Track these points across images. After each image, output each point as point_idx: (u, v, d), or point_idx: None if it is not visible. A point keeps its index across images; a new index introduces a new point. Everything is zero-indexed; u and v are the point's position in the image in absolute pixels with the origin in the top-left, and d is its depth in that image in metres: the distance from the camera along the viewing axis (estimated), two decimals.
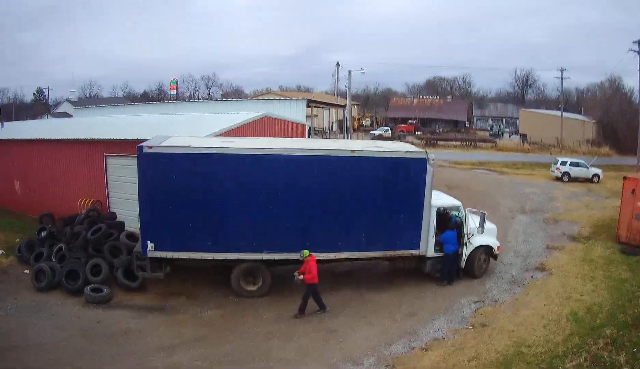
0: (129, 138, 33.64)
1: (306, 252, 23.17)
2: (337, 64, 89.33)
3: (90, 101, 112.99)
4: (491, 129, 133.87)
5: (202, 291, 26.34)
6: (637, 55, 65.23)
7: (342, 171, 24.73)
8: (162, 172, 24.21)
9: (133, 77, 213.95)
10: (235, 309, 24.12)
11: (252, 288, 25.62)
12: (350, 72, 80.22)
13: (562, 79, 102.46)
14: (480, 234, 26.78)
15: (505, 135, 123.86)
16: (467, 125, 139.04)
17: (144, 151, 24.12)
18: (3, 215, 39.47)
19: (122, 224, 31.54)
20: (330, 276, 27.64)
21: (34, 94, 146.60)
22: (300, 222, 24.78)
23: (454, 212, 27.01)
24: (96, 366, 18.96)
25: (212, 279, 27.12)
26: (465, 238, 26.39)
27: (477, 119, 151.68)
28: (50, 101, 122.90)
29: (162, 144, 25.03)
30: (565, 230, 36.50)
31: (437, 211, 26.19)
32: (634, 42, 65.50)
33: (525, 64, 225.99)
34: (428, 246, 25.87)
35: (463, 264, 26.69)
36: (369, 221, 25.18)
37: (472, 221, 26.81)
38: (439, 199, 27.42)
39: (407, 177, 25.24)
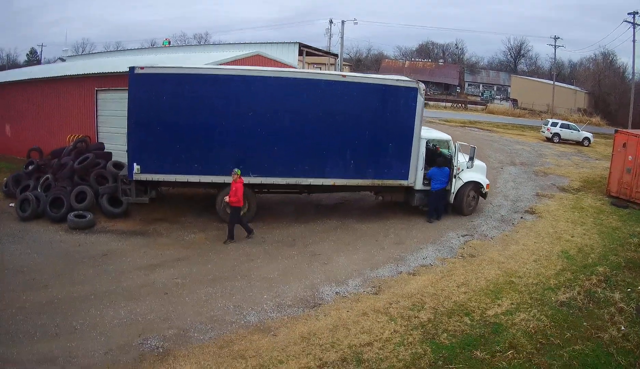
0: (121, 71, 32.94)
1: (238, 171, 22.78)
2: (330, 21, 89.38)
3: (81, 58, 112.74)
4: (482, 95, 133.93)
5: (185, 217, 26.15)
6: (632, 27, 65.60)
7: (333, 95, 24.46)
8: (153, 93, 24.04)
9: (126, 37, 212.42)
10: (219, 234, 23.81)
11: None
12: (343, 22, 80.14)
13: (555, 46, 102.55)
14: (470, 169, 26.56)
15: (496, 101, 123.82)
16: (458, 90, 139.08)
17: (135, 71, 23.91)
18: None
19: (109, 154, 31.10)
20: (315, 207, 27.75)
21: (27, 54, 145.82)
22: (288, 147, 24.56)
23: (444, 150, 26.73)
24: (71, 285, 18.74)
25: (195, 207, 27.13)
26: (455, 172, 26.09)
27: (469, 85, 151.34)
28: (43, 61, 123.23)
29: (154, 65, 24.94)
30: (555, 182, 36.39)
31: (426, 144, 25.99)
32: (628, 13, 66.51)
33: (518, 34, 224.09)
34: (417, 178, 25.60)
35: (452, 199, 26.44)
36: (357, 148, 24.88)
37: (462, 157, 26.55)
38: (428, 132, 27.29)
39: (397, 105, 24.93)
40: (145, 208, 25.96)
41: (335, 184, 25.32)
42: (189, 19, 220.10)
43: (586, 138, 61.84)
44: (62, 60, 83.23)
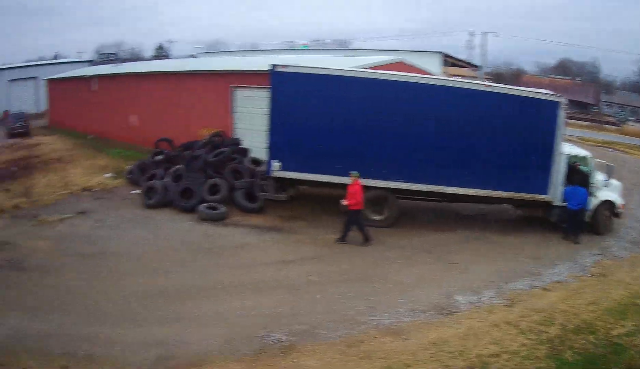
0: (259, 69, 33.76)
1: (356, 173, 22.96)
2: (470, 33, 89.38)
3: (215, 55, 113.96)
4: (617, 115, 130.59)
5: (321, 217, 26.62)
6: None
7: (476, 105, 24.68)
8: (294, 92, 24.81)
9: (263, 40, 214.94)
10: (355, 235, 23.91)
11: (378, 217, 25.74)
12: (484, 34, 79.96)
13: None
14: (606, 188, 26.25)
15: (630, 122, 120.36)
16: (594, 109, 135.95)
17: (277, 69, 24.75)
18: (114, 146, 40.94)
19: (246, 150, 31.86)
20: (453, 217, 27.83)
21: (155, 50, 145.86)
22: (431, 154, 24.81)
23: (583, 167, 26.19)
24: (195, 274, 19.51)
25: (332, 207, 27.04)
26: (592, 190, 25.70)
27: (604, 104, 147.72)
28: (171, 57, 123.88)
29: (296, 65, 25.53)
30: None
31: (566, 160, 25.64)
32: None
33: None
34: (556, 193, 25.34)
35: (588, 218, 25.93)
36: (498, 159, 24.89)
37: (600, 175, 26.34)
38: (569, 148, 26.90)
39: (539, 118, 24.86)
40: (280, 206, 26.53)
41: (476, 194, 25.42)
42: (326, 25, 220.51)
43: None
44: (194, 56, 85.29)
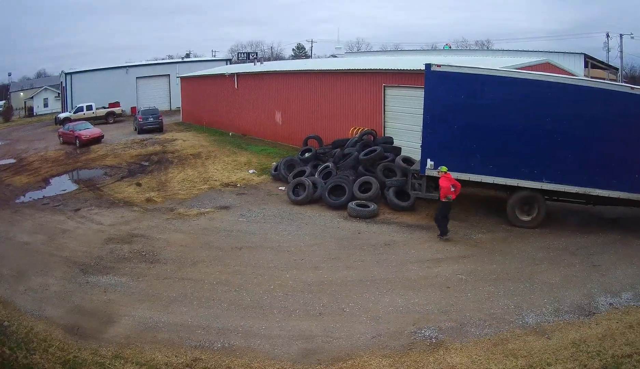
0: (411, 68, 35.19)
1: (443, 168, 24.08)
2: (607, 35, 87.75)
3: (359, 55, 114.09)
4: None
5: (473, 217, 27.48)
6: None
7: (624, 107, 24.93)
8: (449, 91, 25.73)
9: (404, 39, 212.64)
10: (506, 235, 24.89)
11: (526, 218, 26.36)
12: (621, 36, 78.73)
13: None
14: None
15: None
16: None
17: (432, 69, 25.74)
18: (256, 143, 42.76)
19: (398, 148, 32.83)
20: (597, 219, 27.97)
21: (293, 49, 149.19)
22: (580, 156, 25.33)
23: None
24: (346, 269, 20.55)
25: (483, 207, 28.39)
26: None
27: None
28: (313, 57, 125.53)
29: (450, 64, 26.53)
30: None
31: None
32: None
33: None
34: None
35: None
36: None
37: None
38: None
39: None
40: (432, 205, 27.19)
41: (621, 197, 25.61)
42: (468, 25, 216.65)
43: None
44: (334, 56, 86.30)
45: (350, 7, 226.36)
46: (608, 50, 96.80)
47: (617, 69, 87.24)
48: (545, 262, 22.38)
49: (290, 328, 15.94)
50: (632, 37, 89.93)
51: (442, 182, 24.14)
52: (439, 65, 26.10)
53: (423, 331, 16.20)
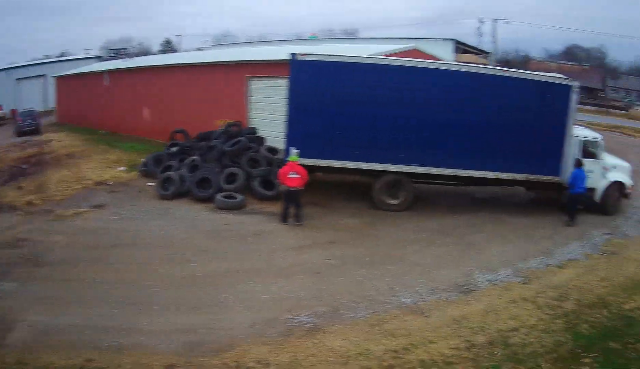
0: (275, 59, 34.50)
1: (294, 157, 24.03)
2: (480, 20, 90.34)
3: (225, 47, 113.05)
4: (624, 100, 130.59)
5: (338, 203, 27.10)
6: None
7: (492, 89, 25.22)
8: (313, 80, 25.16)
9: (270, 30, 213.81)
10: (373, 220, 24.75)
11: (394, 202, 26.29)
12: (495, 20, 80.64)
13: None
14: (615, 169, 26.93)
15: (637, 107, 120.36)
16: (601, 94, 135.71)
17: (296, 58, 25.17)
18: (126, 140, 41.39)
19: (262, 139, 32.28)
20: (469, 199, 28.56)
21: (161, 44, 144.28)
22: (448, 138, 25.39)
23: (592, 149, 26.78)
24: (217, 261, 19.94)
25: (348, 193, 28.10)
26: (601, 173, 26.46)
27: (610, 89, 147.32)
28: (179, 51, 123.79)
29: (315, 53, 26.15)
30: None
31: (579, 143, 26.31)
32: None
33: None
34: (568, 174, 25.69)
35: (598, 198, 26.65)
36: (513, 142, 25.44)
37: (610, 157, 27.27)
38: (580, 130, 27.57)
39: (552, 101, 25.43)
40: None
41: (491, 177, 26.01)
42: (334, 15, 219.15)
43: None
44: (201, 50, 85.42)
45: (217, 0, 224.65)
46: (480, 36, 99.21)
47: (489, 53, 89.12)
48: (417, 243, 22.25)
49: (171, 322, 15.29)
50: (507, 22, 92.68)
51: (281, 169, 24.17)
52: (303, 54, 25.69)
53: (299, 317, 15.69)
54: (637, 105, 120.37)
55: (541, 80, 25.88)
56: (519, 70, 26.99)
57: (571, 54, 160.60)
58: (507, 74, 25.94)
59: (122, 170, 32.89)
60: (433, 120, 25.27)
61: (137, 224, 24.01)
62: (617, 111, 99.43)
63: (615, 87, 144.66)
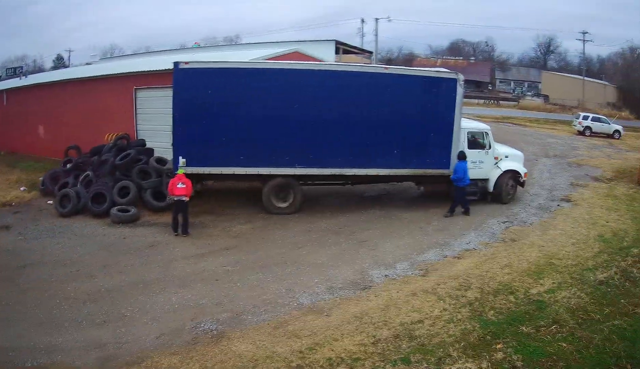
0: (160, 69, 34.01)
1: (181, 170, 23.93)
2: (362, 20, 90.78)
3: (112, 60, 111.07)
4: (513, 91, 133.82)
5: (231, 210, 26.85)
6: None
7: (375, 87, 25.20)
8: (197, 87, 24.74)
9: (154, 41, 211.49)
10: (266, 224, 24.58)
11: (283, 205, 26.17)
12: (377, 20, 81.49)
13: (584, 41, 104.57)
14: (508, 159, 27.45)
15: (528, 97, 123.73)
16: (490, 87, 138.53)
17: (180, 66, 24.65)
18: (25, 159, 40.19)
19: (151, 150, 31.59)
20: (358, 199, 28.48)
21: (53, 61, 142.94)
22: (332, 138, 25.26)
23: (481, 140, 27.20)
24: (118, 274, 19.44)
25: (240, 199, 27.80)
26: (493, 162, 26.98)
27: (500, 82, 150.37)
28: (71, 66, 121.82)
29: (198, 60, 26.04)
30: (588, 172, 36.69)
31: (467, 135, 26.71)
32: None
33: (547, 31, 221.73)
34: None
35: (491, 188, 27.08)
36: (400, 138, 25.52)
37: (502, 147, 27.79)
38: (468, 122, 27.95)
39: (438, 96, 25.61)
40: (189, 202, 25.80)
41: (379, 174, 26.08)
42: (216, 21, 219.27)
43: (617, 131, 62.31)
44: (89, 64, 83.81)
45: (106, 13, 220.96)
46: (362, 36, 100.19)
47: (371, 52, 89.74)
48: (310, 244, 22.14)
49: (82, 339, 14.79)
50: (390, 20, 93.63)
51: (172, 180, 23.86)
52: (186, 63, 25.23)
53: (202, 325, 15.36)
54: (528, 95, 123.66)
55: (424, 76, 26.14)
56: (402, 67, 27.51)
57: (457, 48, 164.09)
58: (389, 72, 26.18)
59: (24, 190, 31.89)
60: (316, 121, 25.16)
61: (42, 243, 23.27)
62: (508, 102, 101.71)
63: (505, 79, 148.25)
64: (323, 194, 28.72)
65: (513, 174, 27.29)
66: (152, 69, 35.96)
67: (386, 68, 26.86)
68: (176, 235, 23.42)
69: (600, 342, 13.77)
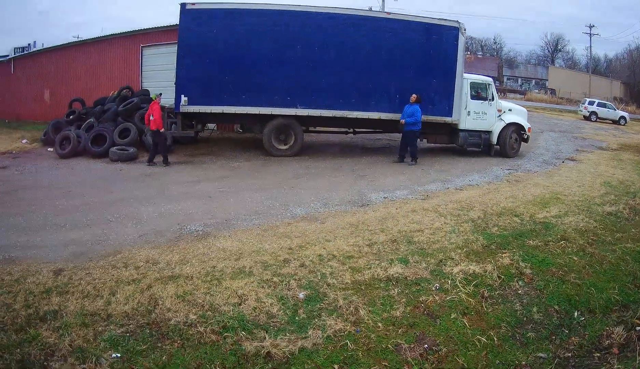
0: (165, 25, 34.86)
1: (154, 95, 24.02)
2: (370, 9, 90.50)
3: None
4: (521, 87, 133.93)
5: (231, 152, 26.96)
6: None
7: (378, 32, 25.28)
8: (202, 27, 24.85)
9: None
10: (265, 162, 24.67)
11: (283, 147, 26.08)
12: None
13: (590, 35, 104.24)
14: (512, 112, 27.27)
15: (535, 92, 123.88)
16: (497, 83, 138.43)
17: (186, 7, 24.69)
18: (33, 124, 40.27)
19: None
20: (360, 148, 28.39)
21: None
22: (336, 80, 25.23)
23: (483, 92, 27.05)
24: (110, 193, 19.41)
25: (240, 147, 27.85)
26: (496, 114, 26.82)
27: (508, 79, 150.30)
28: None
29: (204, 1, 25.49)
30: (593, 144, 36.47)
31: (470, 86, 26.69)
32: None
33: (555, 29, 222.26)
34: (461, 117, 26.13)
35: (495, 140, 26.84)
36: (402, 83, 25.43)
37: (505, 102, 28.08)
38: (470, 75, 27.92)
39: (440, 43, 25.73)
40: (190, 146, 26.68)
41: (381, 118, 25.69)
42: None
43: (622, 117, 62.19)
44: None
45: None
46: None
47: None
48: (308, 176, 22.00)
49: (62, 238, 14.52)
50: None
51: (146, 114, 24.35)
52: (193, 3, 25.02)
53: (188, 227, 15.04)
54: (535, 91, 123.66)
55: (427, 23, 26.03)
56: (405, 13, 26.66)
57: (464, 45, 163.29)
58: (392, 17, 25.92)
59: (25, 142, 31.94)
60: (318, 62, 25.24)
61: (37, 176, 23.19)
62: (515, 94, 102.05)
63: (512, 76, 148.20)
64: (325, 143, 28.60)
65: (517, 128, 27.13)
66: (158, 26, 36.31)
67: (388, 13, 26.52)
68: (149, 165, 23.84)
69: (614, 260, 13.16)
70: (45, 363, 8.95)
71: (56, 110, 39.97)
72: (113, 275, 11.65)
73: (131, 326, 9.71)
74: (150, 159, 23.85)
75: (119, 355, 9.08)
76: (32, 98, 43.79)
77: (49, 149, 28.51)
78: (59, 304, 10.41)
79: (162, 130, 23.70)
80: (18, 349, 9.17)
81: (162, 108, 24.59)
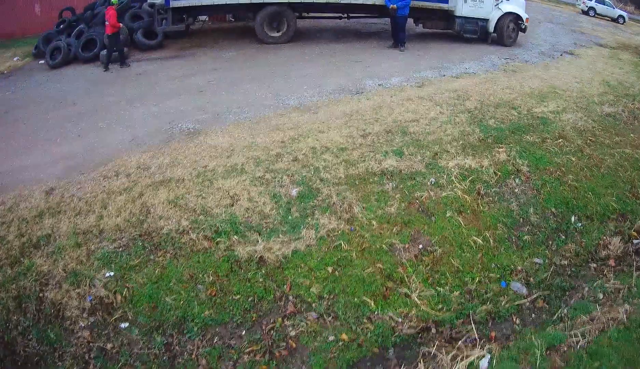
0: None
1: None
2: None
3: None
4: None
5: (223, 42, 26.30)
6: None
7: None
8: None
9: None
10: (257, 51, 23.88)
11: (276, 34, 25.24)
12: None
13: None
14: (509, 2, 26.46)
15: None
16: None
17: None
18: (23, 40, 39.70)
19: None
20: (354, 34, 27.61)
21: None
22: None
23: None
24: (100, 98, 19.05)
25: (232, 36, 27.34)
26: (493, 3, 26.01)
27: None
28: None
29: None
30: (592, 39, 35.67)
31: None
32: None
33: None
34: (457, 4, 25.37)
35: (492, 29, 26.26)
36: None
37: None
38: None
39: None
40: (181, 40, 26.33)
41: (375, 3, 24.66)
42: None
43: (621, 16, 61.44)
44: None
45: None
46: None
47: None
48: (302, 62, 21.43)
49: (52, 154, 14.40)
50: None
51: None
52: None
53: (180, 125, 14.98)
54: None
55: None
56: None
57: None
58: None
59: (17, 59, 30.72)
60: None
61: (29, 91, 22.56)
62: None
63: None
64: (319, 29, 27.92)
65: (514, 18, 26.50)
66: None
67: None
68: (105, 71, 23.22)
69: (612, 165, 13.17)
70: (40, 294, 9.11)
71: (48, 23, 39.62)
72: (104, 187, 11.70)
73: (124, 240, 9.82)
74: (106, 64, 23.42)
75: (112, 274, 9.23)
76: (23, 13, 43.23)
77: (40, 62, 27.88)
78: (51, 227, 10.49)
79: (119, 30, 23.44)
80: (13, 285, 9.28)
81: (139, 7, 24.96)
